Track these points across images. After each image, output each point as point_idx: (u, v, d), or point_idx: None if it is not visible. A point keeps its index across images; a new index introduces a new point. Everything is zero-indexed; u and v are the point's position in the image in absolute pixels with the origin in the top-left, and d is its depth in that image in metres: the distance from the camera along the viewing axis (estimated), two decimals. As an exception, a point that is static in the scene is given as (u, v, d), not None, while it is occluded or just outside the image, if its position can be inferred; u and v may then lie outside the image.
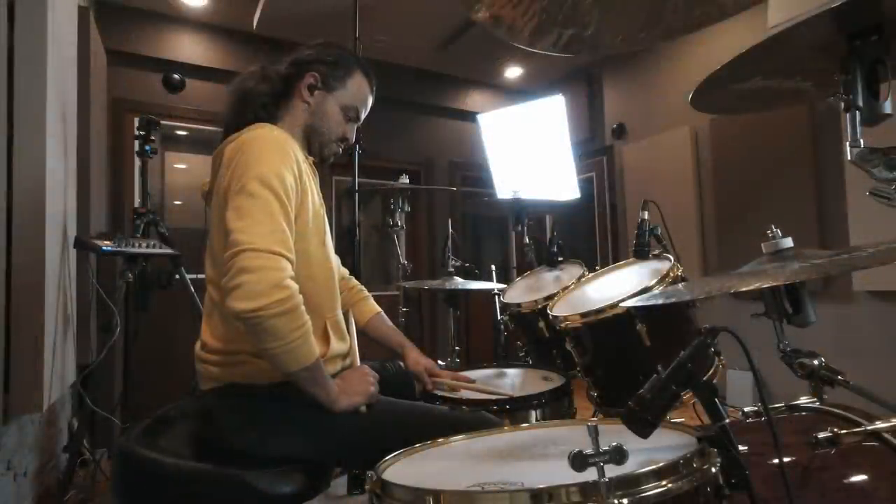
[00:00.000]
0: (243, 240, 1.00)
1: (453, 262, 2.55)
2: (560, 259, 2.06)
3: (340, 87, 1.33)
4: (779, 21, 3.13)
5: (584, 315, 1.39)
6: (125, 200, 3.71)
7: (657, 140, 4.34)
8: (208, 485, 1.04)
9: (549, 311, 1.55)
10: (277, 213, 1.06)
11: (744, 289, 0.84)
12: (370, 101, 1.41)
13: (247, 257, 0.98)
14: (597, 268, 1.78)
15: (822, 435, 0.85)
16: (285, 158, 1.13)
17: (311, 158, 1.34)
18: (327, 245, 1.29)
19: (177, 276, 2.48)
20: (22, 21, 1.60)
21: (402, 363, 1.52)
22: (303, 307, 1.04)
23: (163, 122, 2.91)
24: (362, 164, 2.61)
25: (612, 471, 0.61)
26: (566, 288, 1.69)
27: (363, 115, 1.41)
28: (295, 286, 1.02)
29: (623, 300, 1.31)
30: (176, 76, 2.76)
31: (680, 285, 1.28)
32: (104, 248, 2.01)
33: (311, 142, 1.34)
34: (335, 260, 1.31)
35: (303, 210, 1.17)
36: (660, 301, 1.14)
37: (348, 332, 1.34)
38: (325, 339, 1.22)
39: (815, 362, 0.97)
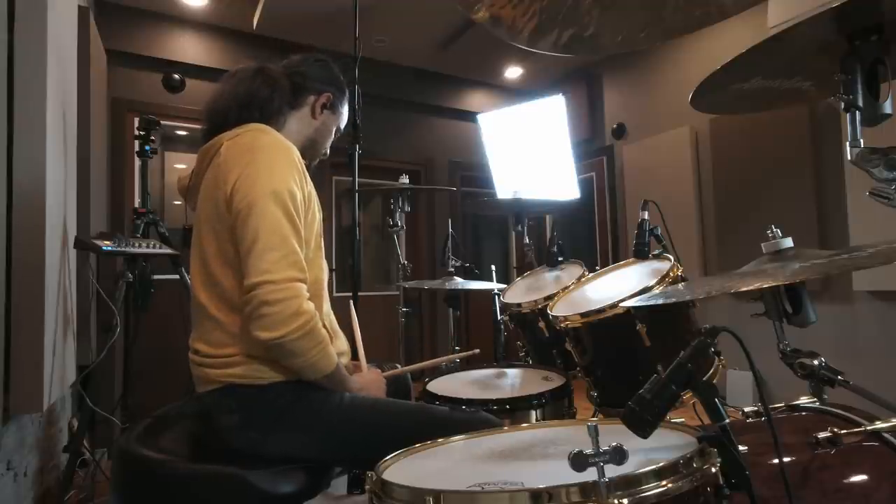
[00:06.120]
0: (261, 269, 1.06)
1: (453, 262, 2.55)
2: (560, 259, 2.06)
3: (341, 110, 1.43)
4: (779, 21, 3.13)
5: (584, 315, 1.39)
6: (125, 200, 3.70)
7: (657, 140, 4.34)
8: (208, 485, 1.05)
9: (549, 311, 1.55)
10: (289, 233, 1.10)
11: (744, 289, 0.84)
12: None
13: (267, 291, 1.05)
14: (597, 268, 1.78)
15: (822, 435, 0.85)
16: (294, 171, 1.16)
17: None
18: (322, 248, 1.31)
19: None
20: (22, 21, 1.60)
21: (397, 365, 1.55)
22: (319, 324, 1.11)
23: (163, 122, 2.90)
24: (362, 164, 2.60)
25: (612, 471, 0.60)
26: (566, 288, 1.69)
27: None
28: (311, 307, 1.10)
29: (623, 300, 1.31)
30: (176, 76, 2.76)
31: (680, 285, 1.28)
32: (104, 248, 2.01)
33: (305, 152, 1.37)
34: (325, 263, 1.34)
35: (307, 217, 1.20)
36: (660, 301, 1.14)
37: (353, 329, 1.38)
38: None
39: (815, 362, 0.97)
